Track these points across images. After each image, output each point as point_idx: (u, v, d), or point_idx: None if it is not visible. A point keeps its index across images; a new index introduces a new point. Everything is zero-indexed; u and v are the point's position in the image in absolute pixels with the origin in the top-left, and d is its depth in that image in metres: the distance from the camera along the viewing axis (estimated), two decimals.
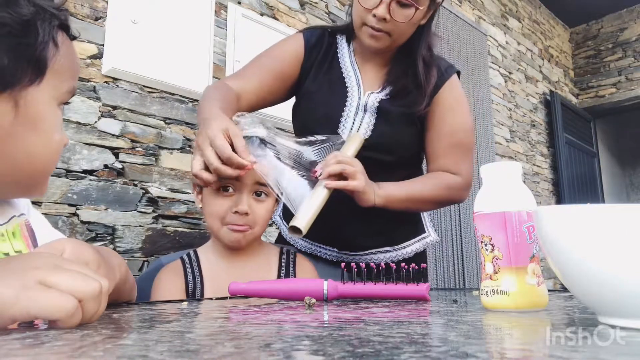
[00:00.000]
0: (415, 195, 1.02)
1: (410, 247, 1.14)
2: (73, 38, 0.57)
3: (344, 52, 1.13)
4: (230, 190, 0.92)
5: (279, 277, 0.97)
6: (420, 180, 1.07)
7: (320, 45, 1.13)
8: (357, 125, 1.06)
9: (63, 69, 0.54)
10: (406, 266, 0.65)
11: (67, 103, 0.58)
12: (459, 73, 1.14)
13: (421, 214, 1.20)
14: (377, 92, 1.08)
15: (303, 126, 1.10)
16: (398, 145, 1.08)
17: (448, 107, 1.08)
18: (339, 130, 1.07)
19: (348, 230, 1.08)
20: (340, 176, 0.90)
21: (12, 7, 0.48)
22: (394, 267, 0.65)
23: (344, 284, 0.64)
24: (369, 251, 1.12)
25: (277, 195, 0.89)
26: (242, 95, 1.02)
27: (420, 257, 1.17)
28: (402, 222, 1.13)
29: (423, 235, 1.18)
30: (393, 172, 1.07)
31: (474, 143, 1.13)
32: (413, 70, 1.07)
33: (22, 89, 0.50)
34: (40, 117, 0.52)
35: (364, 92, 1.08)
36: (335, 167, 0.89)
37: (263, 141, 0.94)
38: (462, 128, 1.09)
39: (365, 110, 1.06)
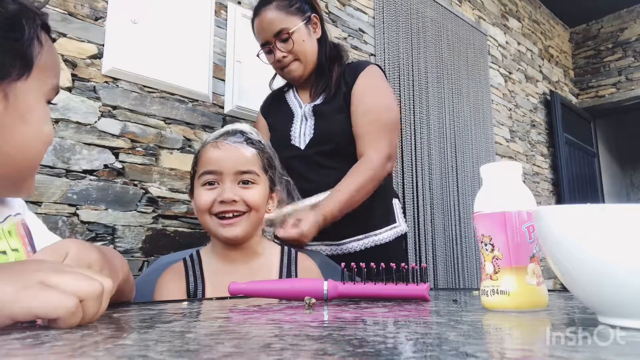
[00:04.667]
0: (348, 198, 1.15)
1: (382, 235, 1.28)
2: (53, 40, 0.60)
3: (290, 93, 1.41)
4: (215, 184, 0.93)
5: (280, 277, 0.97)
6: (346, 181, 1.19)
7: (270, 100, 1.46)
8: (302, 130, 1.31)
9: (47, 66, 0.56)
10: (406, 266, 0.65)
11: (52, 103, 0.59)
12: (380, 67, 1.36)
13: (393, 205, 1.35)
14: (312, 103, 1.33)
15: (272, 142, 1.31)
16: (335, 132, 1.27)
17: (362, 92, 1.26)
18: (291, 136, 1.32)
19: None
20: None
21: None
22: (394, 267, 0.65)
23: (344, 283, 0.64)
24: (345, 240, 1.27)
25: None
26: None
27: (394, 245, 1.30)
28: (374, 211, 1.28)
29: (394, 225, 1.32)
30: (336, 170, 1.24)
31: (391, 120, 1.27)
32: (329, 74, 1.32)
33: (11, 83, 0.51)
34: (29, 110, 0.54)
35: (304, 105, 1.35)
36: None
37: (242, 133, 0.99)
38: (376, 108, 1.25)
39: (307, 119, 1.31)
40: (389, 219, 1.32)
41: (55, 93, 0.58)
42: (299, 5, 1.29)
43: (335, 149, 1.27)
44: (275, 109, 1.42)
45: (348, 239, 1.27)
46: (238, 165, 0.93)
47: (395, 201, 1.37)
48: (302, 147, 1.29)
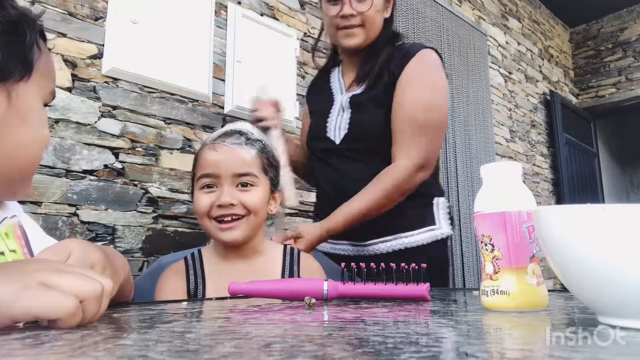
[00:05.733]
0: (359, 212, 1.08)
1: (414, 237, 1.13)
2: (49, 49, 0.63)
3: (335, 72, 1.30)
4: (213, 187, 0.92)
5: (283, 277, 0.96)
6: (362, 193, 1.09)
7: (314, 82, 1.37)
8: (338, 123, 1.20)
9: (45, 71, 0.58)
10: (406, 266, 0.65)
11: (48, 105, 0.61)
12: (436, 51, 1.19)
13: (433, 204, 1.19)
14: (350, 92, 1.21)
15: (307, 140, 1.29)
16: (371, 129, 1.15)
17: (407, 80, 1.12)
18: (327, 128, 1.22)
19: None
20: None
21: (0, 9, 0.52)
22: (394, 267, 0.65)
23: (344, 284, 0.64)
24: (371, 241, 1.15)
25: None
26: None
27: (430, 250, 1.14)
28: (406, 211, 1.13)
29: (432, 227, 1.16)
30: (370, 165, 1.14)
31: (432, 121, 1.11)
32: (377, 60, 1.17)
33: (14, 83, 0.53)
34: (30, 111, 0.56)
35: (345, 93, 1.23)
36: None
37: (241, 134, 0.96)
38: (416, 104, 1.10)
39: (343, 110, 1.20)
40: (426, 220, 1.17)
41: (52, 97, 0.61)
42: None
43: (370, 147, 1.15)
44: (318, 91, 1.33)
45: (374, 240, 1.15)
46: (235, 168, 0.91)
47: (438, 200, 1.20)
48: (337, 141, 1.19)
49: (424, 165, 1.10)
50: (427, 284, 0.64)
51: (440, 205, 1.20)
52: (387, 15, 1.21)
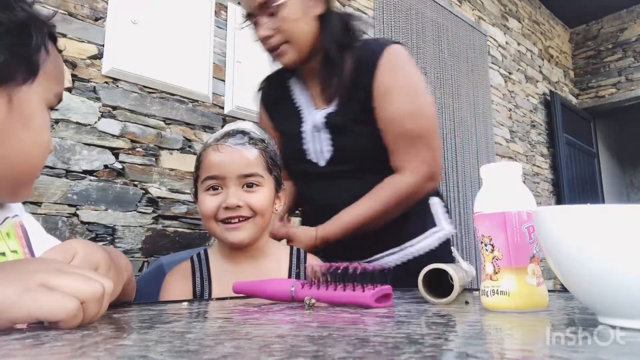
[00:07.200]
0: (357, 221, 1.01)
1: (421, 244, 1.07)
2: (60, 51, 0.62)
3: (295, 81, 1.15)
4: (219, 189, 0.90)
5: (289, 277, 0.95)
6: (362, 202, 1.02)
7: (268, 90, 1.20)
8: (317, 145, 1.07)
9: (52, 74, 0.57)
10: (368, 267, 0.57)
11: (54, 109, 0.61)
12: (401, 45, 1.06)
13: (430, 205, 1.12)
14: (324, 108, 1.07)
15: (284, 163, 1.07)
16: (362, 151, 1.05)
17: (383, 92, 1.00)
18: (306, 151, 1.09)
19: (351, 238, 1.04)
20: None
21: (7, 10, 0.51)
22: (359, 267, 0.58)
23: (302, 287, 0.60)
24: (377, 256, 1.08)
25: None
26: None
27: (441, 254, 1.07)
28: (407, 217, 1.06)
29: (434, 230, 1.09)
30: (364, 180, 1.05)
31: (422, 128, 1.00)
32: (340, 68, 1.02)
33: (16, 86, 0.52)
34: (32, 115, 0.55)
35: (316, 111, 1.09)
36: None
37: (244, 134, 0.94)
38: (401, 114, 0.99)
39: (319, 130, 1.07)
40: (427, 223, 1.09)
41: (58, 101, 0.60)
42: None
43: (360, 167, 1.06)
44: (280, 106, 1.16)
45: (379, 255, 1.07)
46: (241, 169, 0.89)
47: (433, 200, 1.12)
48: (321, 163, 1.08)
49: (431, 176, 1.02)
50: (378, 289, 0.56)
51: (437, 205, 1.13)
52: (319, 11, 1.02)
